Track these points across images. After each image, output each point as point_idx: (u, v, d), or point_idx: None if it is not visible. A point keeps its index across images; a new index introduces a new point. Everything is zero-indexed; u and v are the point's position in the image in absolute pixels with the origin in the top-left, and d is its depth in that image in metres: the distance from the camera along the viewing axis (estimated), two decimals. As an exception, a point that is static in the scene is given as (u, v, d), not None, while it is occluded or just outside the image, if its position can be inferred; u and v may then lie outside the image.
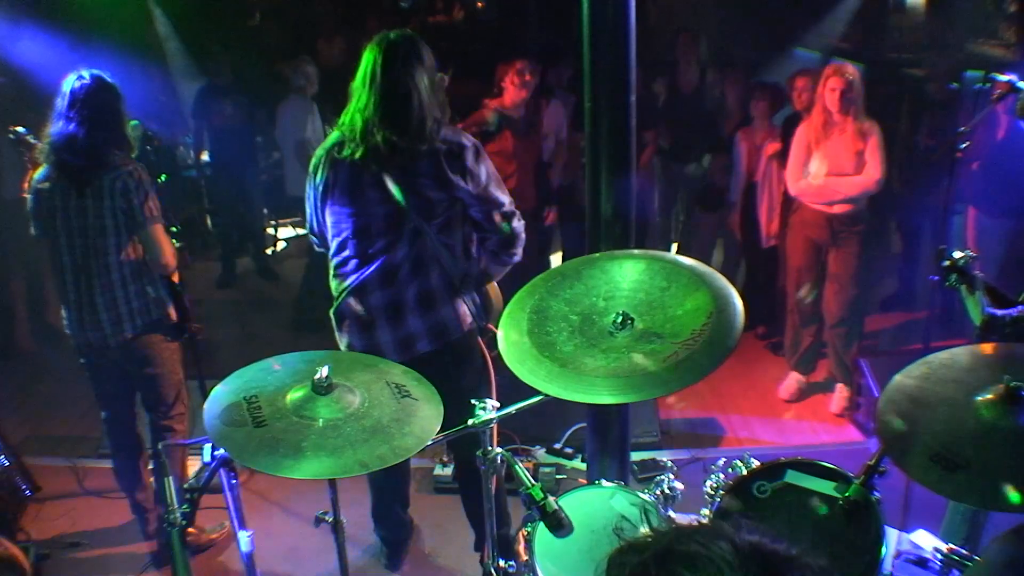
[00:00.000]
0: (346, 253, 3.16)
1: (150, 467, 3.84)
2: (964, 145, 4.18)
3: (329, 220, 3.17)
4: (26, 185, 4.13)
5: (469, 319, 3.22)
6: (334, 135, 3.13)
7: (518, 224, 3.22)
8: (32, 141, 3.99)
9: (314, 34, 7.31)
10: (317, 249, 3.40)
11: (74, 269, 3.50)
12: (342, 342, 3.28)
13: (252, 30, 8.63)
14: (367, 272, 3.12)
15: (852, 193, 4.70)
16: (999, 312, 2.88)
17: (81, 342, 3.60)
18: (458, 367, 3.23)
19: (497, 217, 3.15)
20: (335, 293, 3.24)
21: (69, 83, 3.41)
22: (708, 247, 6.17)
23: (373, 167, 3.02)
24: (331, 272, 3.25)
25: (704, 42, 6.33)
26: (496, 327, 3.27)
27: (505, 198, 3.17)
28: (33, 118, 4.43)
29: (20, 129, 4.05)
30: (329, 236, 3.21)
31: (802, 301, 5.02)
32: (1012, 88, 3.90)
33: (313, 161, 3.20)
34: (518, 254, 3.27)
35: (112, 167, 3.42)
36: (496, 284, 3.39)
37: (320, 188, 3.15)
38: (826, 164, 4.71)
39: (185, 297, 3.73)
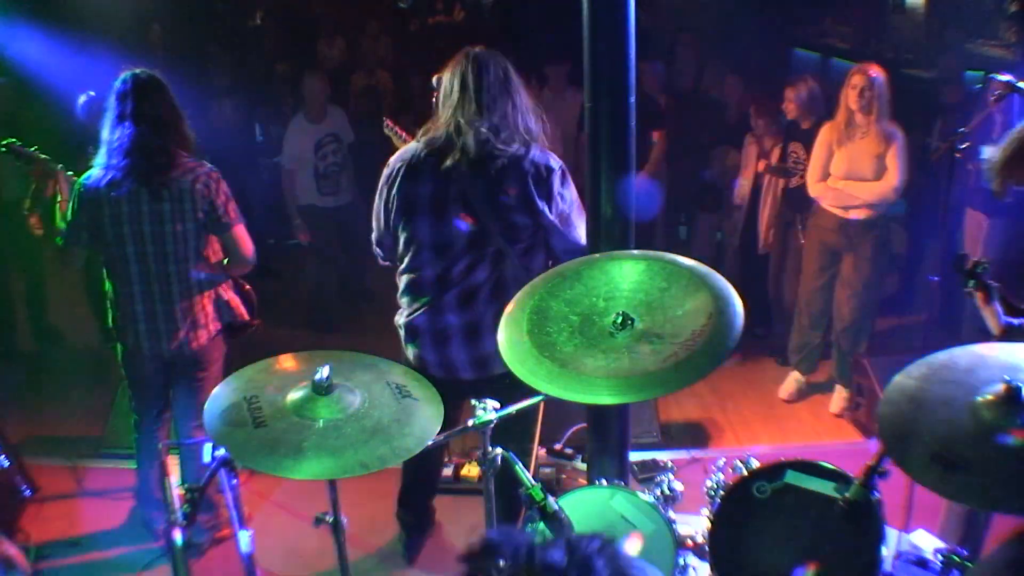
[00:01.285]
0: (424, 270, 3.10)
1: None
2: (964, 145, 4.19)
3: (404, 234, 3.10)
4: (28, 202, 4.11)
5: None
6: (411, 146, 3.08)
7: None
8: (29, 152, 3.93)
9: (314, 35, 7.31)
10: (381, 262, 3.35)
11: (146, 278, 3.38)
12: (410, 353, 3.23)
13: (252, 30, 8.64)
14: (447, 291, 3.08)
15: (869, 199, 4.68)
16: (1016, 321, 2.89)
17: (152, 352, 3.49)
18: (525, 387, 3.19)
19: (573, 249, 3.08)
20: (408, 307, 3.19)
21: (121, 83, 3.31)
22: (707, 248, 6.17)
23: (459, 184, 2.97)
24: (403, 285, 3.19)
25: (707, 42, 6.34)
26: None
27: (583, 229, 3.10)
28: (32, 118, 4.44)
29: (13, 142, 3.93)
30: (400, 248, 3.13)
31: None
32: (1012, 88, 3.91)
33: (387, 171, 3.13)
34: None
35: (188, 169, 3.34)
36: None
37: (396, 199, 3.07)
38: (845, 167, 4.69)
39: (249, 291, 3.72)
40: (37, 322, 5.94)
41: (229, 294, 3.58)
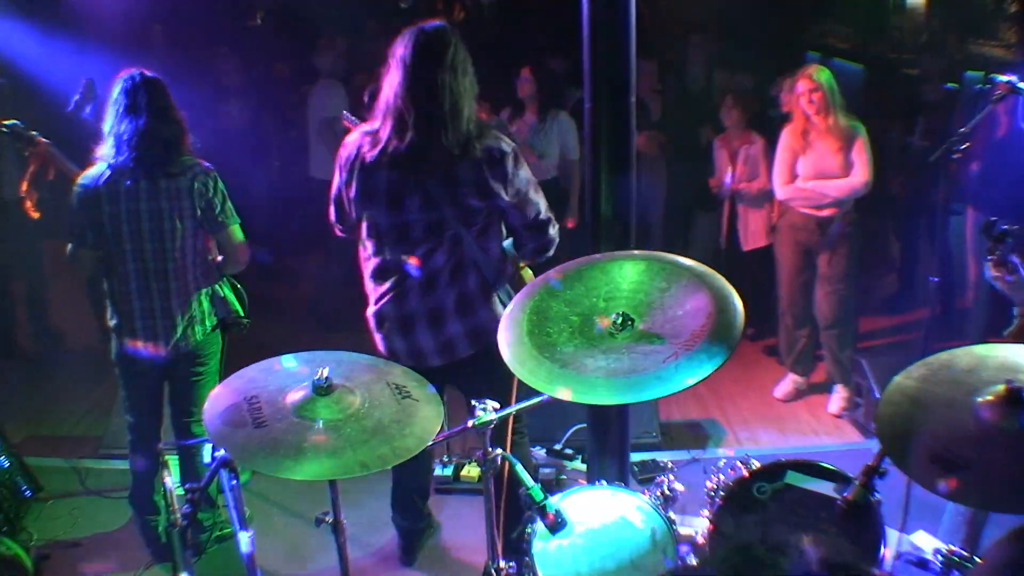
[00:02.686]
0: (384, 257, 3.12)
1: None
2: (964, 146, 4.19)
3: (364, 221, 3.12)
4: (24, 185, 4.11)
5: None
6: (365, 128, 3.07)
7: (553, 231, 3.17)
8: (30, 134, 3.96)
9: (314, 34, 7.30)
10: (339, 234, 3.33)
11: (144, 275, 3.40)
12: (381, 344, 3.24)
13: (253, 30, 8.63)
14: (408, 277, 3.09)
15: (839, 195, 4.71)
16: None
17: (149, 350, 3.49)
18: (495, 368, 3.20)
19: (534, 223, 3.10)
20: (373, 296, 3.20)
21: (126, 79, 3.33)
22: (707, 247, 6.17)
23: (412, 175, 2.96)
24: (368, 274, 3.21)
25: (706, 42, 6.34)
26: None
27: (542, 204, 3.11)
28: (30, 118, 4.43)
29: (15, 123, 3.98)
30: (363, 233, 3.15)
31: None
32: (1012, 88, 3.91)
33: (345, 152, 3.11)
34: (550, 254, 3.22)
35: (186, 167, 3.37)
36: (531, 272, 3.38)
37: (354, 184, 3.06)
38: (812, 167, 4.72)
39: (243, 292, 3.73)
40: (37, 323, 5.94)
41: (224, 291, 3.60)
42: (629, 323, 2.25)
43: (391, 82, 2.94)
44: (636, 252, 2.67)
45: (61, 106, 4.83)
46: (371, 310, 3.22)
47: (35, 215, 4.39)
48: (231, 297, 3.65)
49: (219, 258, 3.60)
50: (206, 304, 3.53)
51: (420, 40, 2.90)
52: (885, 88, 6.53)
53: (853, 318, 5.13)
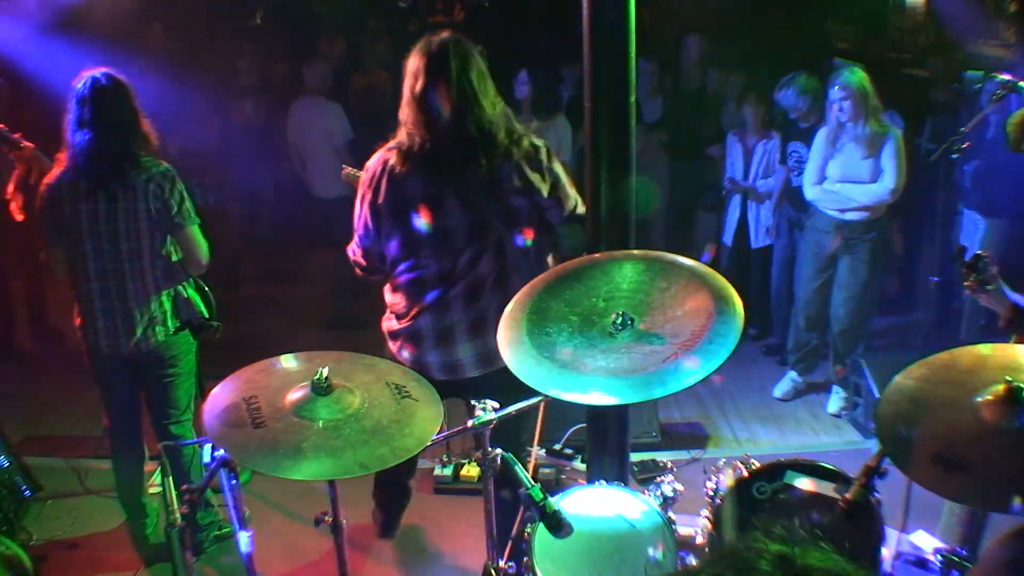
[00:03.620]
0: (426, 269, 3.01)
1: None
2: (964, 146, 4.19)
3: (398, 237, 3.00)
4: (10, 188, 4.13)
5: None
6: (388, 146, 3.00)
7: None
8: (14, 138, 3.97)
9: (314, 34, 7.30)
10: (359, 272, 3.22)
11: (103, 276, 3.42)
12: (406, 357, 3.10)
13: (253, 30, 8.63)
14: (452, 287, 3.00)
15: (865, 201, 4.69)
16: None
17: (110, 350, 3.51)
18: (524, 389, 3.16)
19: (571, 218, 3.07)
20: (405, 309, 3.08)
21: (81, 86, 3.33)
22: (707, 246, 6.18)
23: (450, 177, 2.91)
24: (397, 287, 3.09)
25: (706, 42, 6.34)
26: None
27: (579, 196, 3.09)
28: (31, 118, 4.44)
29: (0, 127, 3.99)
30: (394, 251, 3.03)
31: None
32: (1012, 88, 3.91)
33: (367, 175, 3.03)
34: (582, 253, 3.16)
35: (143, 168, 3.37)
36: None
37: (384, 204, 2.97)
38: (840, 170, 4.70)
39: (210, 292, 3.72)
40: (37, 322, 5.93)
41: (188, 292, 3.59)
42: (629, 323, 2.25)
43: (412, 94, 2.91)
44: (636, 252, 2.67)
45: (61, 107, 4.83)
46: (399, 325, 3.10)
47: (20, 218, 4.40)
48: (196, 298, 3.63)
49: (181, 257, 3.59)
50: (167, 305, 3.52)
51: (434, 50, 2.89)
52: (885, 88, 6.52)
53: (867, 323, 5.12)
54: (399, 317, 3.11)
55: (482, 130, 2.89)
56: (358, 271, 3.22)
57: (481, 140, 2.88)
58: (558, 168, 3.04)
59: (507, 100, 5.58)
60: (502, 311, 2.94)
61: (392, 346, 3.16)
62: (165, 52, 6.72)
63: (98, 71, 3.37)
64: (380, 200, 2.98)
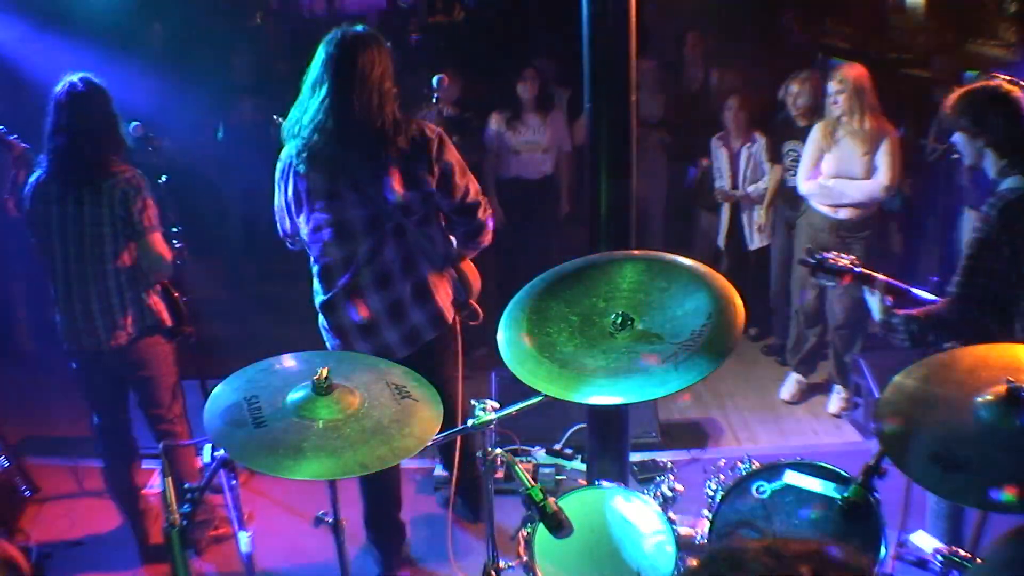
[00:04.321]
0: (331, 258, 3.17)
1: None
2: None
3: (307, 226, 3.16)
4: (8, 186, 4.17)
5: (451, 302, 3.30)
6: (294, 141, 3.09)
7: (484, 214, 3.25)
8: (11, 140, 4.01)
9: (314, 34, 7.32)
10: (291, 248, 3.41)
11: (67, 276, 3.48)
12: (338, 348, 3.27)
13: (253, 30, 8.64)
14: (360, 276, 3.15)
15: (858, 197, 4.69)
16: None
17: (74, 347, 3.57)
18: (446, 352, 3.35)
19: (461, 207, 3.18)
20: (325, 299, 3.24)
21: (59, 90, 3.38)
22: (708, 246, 6.17)
23: (343, 171, 3.04)
24: (316, 278, 3.26)
25: (707, 42, 6.34)
26: (475, 302, 3.37)
27: (472, 187, 3.19)
28: (29, 118, 4.43)
29: None
30: (307, 238, 3.19)
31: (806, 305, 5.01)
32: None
33: (280, 167, 3.19)
34: (486, 242, 3.33)
35: (110, 174, 3.40)
36: (470, 261, 3.45)
37: (294, 196, 3.14)
38: (834, 166, 4.71)
39: (180, 300, 3.73)
40: (37, 322, 5.93)
41: (153, 298, 3.59)
42: (629, 323, 2.25)
43: (314, 88, 3.02)
44: (636, 252, 2.67)
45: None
46: (325, 318, 3.27)
47: (12, 215, 4.44)
48: (160, 305, 3.62)
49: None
50: (131, 310, 3.53)
51: (336, 45, 3.00)
52: (886, 88, 6.52)
53: (864, 321, 5.12)
54: (321, 308, 3.27)
55: (375, 126, 2.99)
56: (289, 247, 3.40)
57: (373, 135, 2.99)
58: (449, 158, 3.10)
59: (510, 99, 5.63)
60: (418, 292, 3.19)
61: (325, 340, 3.33)
62: (164, 51, 6.73)
63: (76, 76, 3.41)
64: (289, 191, 3.16)
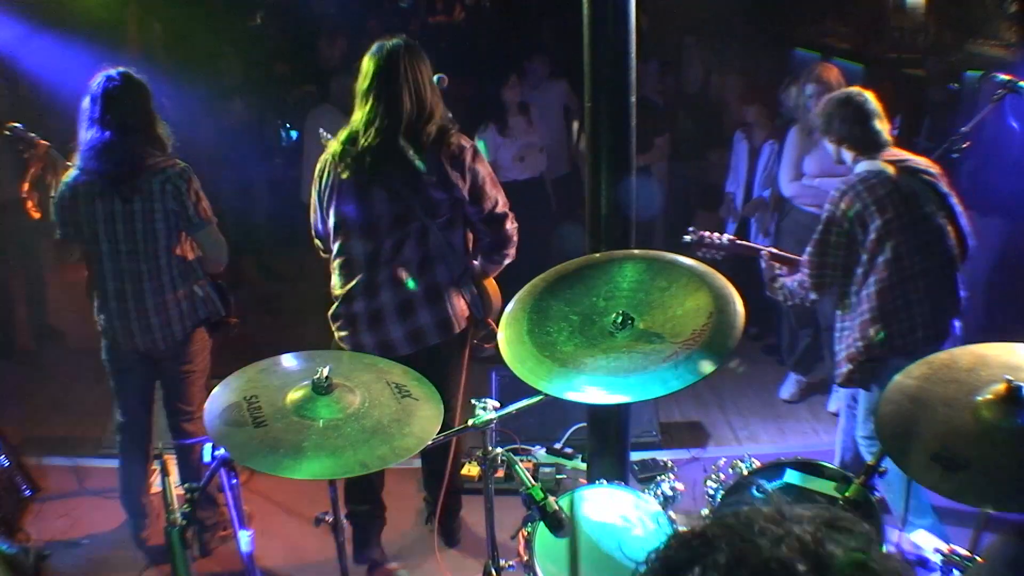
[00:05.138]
0: (353, 252, 3.26)
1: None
2: (964, 146, 4.19)
3: (332, 220, 3.26)
4: (26, 186, 4.12)
5: (466, 316, 3.35)
6: (341, 137, 3.23)
7: (511, 226, 3.34)
8: (31, 136, 3.96)
9: (314, 34, 7.30)
10: (322, 255, 3.48)
11: (119, 275, 3.42)
12: (346, 339, 3.33)
13: (253, 30, 8.63)
14: (378, 271, 3.23)
15: None
16: (777, 281, 3.65)
17: (127, 348, 3.52)
18: (451, 362, 3.37)
19: (490, 217, 3.28)
20: (340, 291, 3.31)
21: (96, 84, 3.32)
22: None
23: (379, 169, 3.14)
24: (335, 271, 3.33)
25: (707, 42, 6.34)
26: (495, 322, 3.34)
27: (500, 198, 3.29)
28: (29, 118, 4.43)
29: (17, 125, 3.99)
30: (332, 234, 3.29)
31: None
32: (1012, 88, 3.91)
33: (319, 166, 3.30)
34: (510, 255, 3.40)
35: (158, 169, 3.36)
36: (493, 280, 3.49)
37: (327, 190, 3.25)
38: (817, 165, 4.72)
39: (228, 291, 3.73)
40: (37, 322, 5.93)
41: (205, 290, 3.59)
42: (629, 323, 2.25)
43: (359, 93, 3.21)
44: (636, 252, 2.67)
45: (60, 107, 4.84)
46: (338, 309, 3.34)
47: (36, 215, 4.39)
48: (212, 296, 3.63)
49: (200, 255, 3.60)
50: (184, 304, 3.52)
51: (379, 56, 3.17)
52: (886, 88, 6.53)
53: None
54: (337, 300, 3.34)
55: (415, 130, 3.14)
56: (320, 253, 3.50)
57: (415, 140, 3.14)
58: (481, 169, 3.23)
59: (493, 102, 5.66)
60: (431, 294, 3.26)
61: (334, 330, 3.39)
62: (164, 50, 6.74)
63: (114, 70, 3.35)
64: (323, 185, 3.27)
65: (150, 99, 3.41)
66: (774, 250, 3.74)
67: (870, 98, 3.45)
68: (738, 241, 3.81)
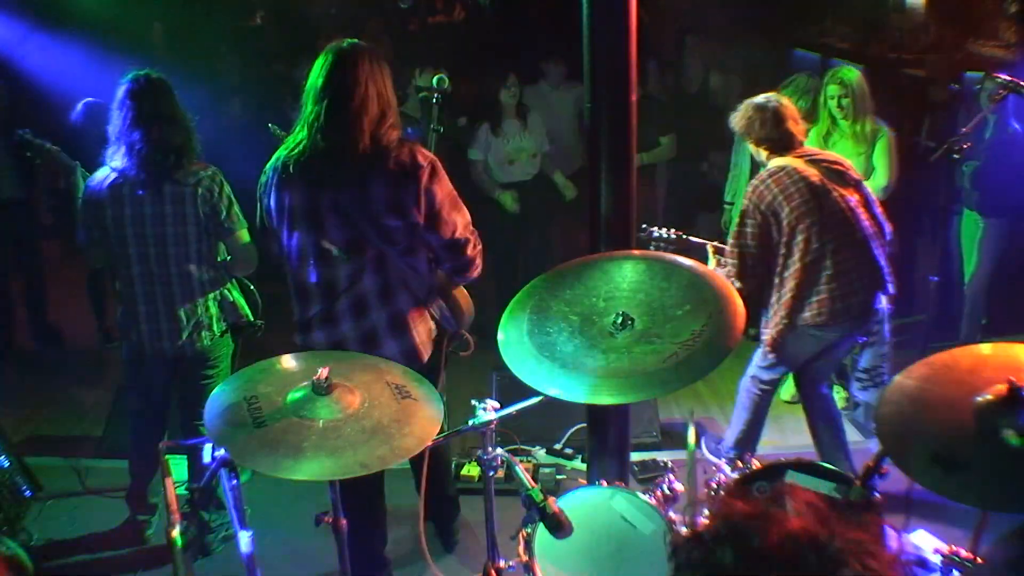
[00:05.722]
0: (309, 280, 2.99)
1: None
2: (965, 146, 4.19)
3: (287, 245, 2.99)
4: (38, 192, 4.13)
5: (433, 340, 3.12)
6: (281, 151, 2.96)
7: (472, 252, 3.05)
8: (39, 142, 3.96)
9: (314, 34, 7.30)
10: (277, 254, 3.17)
11: (148, 279, 3.39)
12: None
13: (253, 30, 8.63)
14: (336, 300, 2.98)
15: None
16: (719, 269, 3.85)
17: (153, 353, 3.49)
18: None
19: (451, 243, 2.98)
20: (300, 319, 3.07)
21: (132, 83, 3.29)
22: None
23: (328, 190, 2.86)
24: (293, 295, 3.08)
25: (707, 42, 6.34)
26: (467, 332, 3.23)
27: (460, 222, 2.99)
28: (30, 119, 4.43)
29: (24, 131, 3.99)
30: (286, 256, 3.02)
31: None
32: (1012, 88, 3.91)
33: (262, 179, 3.01)
34: (474, 275, 3.12)
35: (190, 172, 3.35)
36: (464, 289, 3.27)
37: (275, 212, 2.97)
38: None
39: (255, 294, 3.73)
40: (37, 322, 5.93)
41: (233, 295, 3.58)
42: (629, 323, 2.25)
43: (308, 101, 2.88)
44: (636, 252, 2.67)
45: (60, 107, 4.84)
46: (299, 338, 3.08)
47: (48, 222, 4.39)
48: (241, 301, 3.63)
49: (228, 259, 3.59)
50: (213, 309, 3.51)
51: (333, 58, 2.85)
52: (886, 88, 6.53)
53: None
54: (298, 326, 3.08)
55: (362, 145, 2.82)
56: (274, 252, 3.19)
57: (360, 155, 2.82)
58: (438, 191, 2.89)
59: (489, 103, 5.66)
60: (394, 324, 2.99)
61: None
62: (165, 50, 6.74)
63: (139, 72, 3.33)
64: (270, 203, 2.97)
65: (176, 99, 3.38)
66: (718, 244, 4.09)
67: (786, 102, 3.82)
68: (684, 236, 4.15)
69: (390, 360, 2.88)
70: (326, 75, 2.84)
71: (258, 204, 3.06)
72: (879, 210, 3.83)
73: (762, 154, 3.81)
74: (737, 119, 3.86)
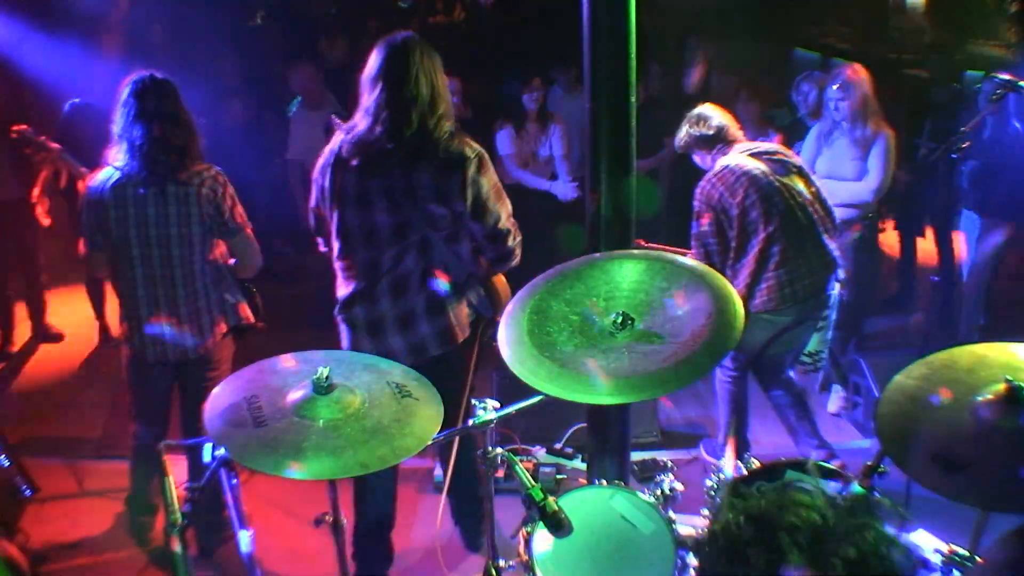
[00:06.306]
0: (354, 259, 3.14)
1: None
2: (964, 146, 4.19)
3: (335, 225, 3.14)
4: (37, 190, 4.11)
5: (469, 323, 3.25)
6: (338, 137, 3.12)
7: (513, 242, 3.18)
8: (39, 140, 3.95)
9: (315, 35, 7.31)
10: (322, 248, 3.36)
11: (151, 281, 3.37)
12: (347, 343, 3.26)
13: (253, 30, 8.64)
14: (377, 282, 3.12)
15: (846, 198, 4.68)
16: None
17: (157, 358, 3.48)
18: (456, 372, 3.27)
19: (493, 233, 3.12)
20: (342, 296, 3.21)
21: (136, 82, 3.29)
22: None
23: (379, 175, 3.01)
24: (338, 271, 3.23)
25: (707, 42, 6.35)
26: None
27: (503, 213, 3.13)
28: (29, 119, 4.43)
29: (24, 128, 3.98)
30: (334, 237, 3.18)
31: None
32: (1012, 88, 3.92)
33: (321, 161, 3.17)
34: (513, 264, 3.24)
35: (194, 172, 3.34)
36: (503, 276, 3.38)
37: (328, 193, 3.12)
38: (827, 166, 4.72)
39: (257, 296, 3.73)
40: (37, 322, 5.94)
41: (236, 297, 3.58)
42: (629, 323, 2.25)
43: (365, 90, 3.04)
44: (636, 252, 2.67)
45: (60, 107, 4.84)
46: (339, 310, 3.24)
47: (46, 222, 4.37)
48: (243, 302, 3.63)
49: (231, 261, 3.58)
50: (216, 310, 3.50)
51: (387, 51, 3.00)
52: (886, 88, 6.54)
53: (857, 321, 5.11)
54: (339, 303, 3.24)
55: (414, 134, 2.97)
56: (320, 247, 3.36)
57: (412, 144, 2.98)
58: (485, 182, 3.03)
59: (511, 104, 5.66)
60: (432, 306, 3.13)
61: (340, 332, 3.29)
62: (165, 50, 6.74)
63: (143, 73, 3.33)
64: (326, 185, 3.14)
65: (180, 100, 3.37)
66: (682, 251, 4.20)
67: (716, 111, 4.04)
68: (647, 244, 4.09)
69: (425, 340, 3.14)
70: (380, 65, 3.00)
71: (313, 185, 3.21)
72: (824, 194, 4.02)
73: (708, 159, 4.03)
74: (678, 141, 4.12)
